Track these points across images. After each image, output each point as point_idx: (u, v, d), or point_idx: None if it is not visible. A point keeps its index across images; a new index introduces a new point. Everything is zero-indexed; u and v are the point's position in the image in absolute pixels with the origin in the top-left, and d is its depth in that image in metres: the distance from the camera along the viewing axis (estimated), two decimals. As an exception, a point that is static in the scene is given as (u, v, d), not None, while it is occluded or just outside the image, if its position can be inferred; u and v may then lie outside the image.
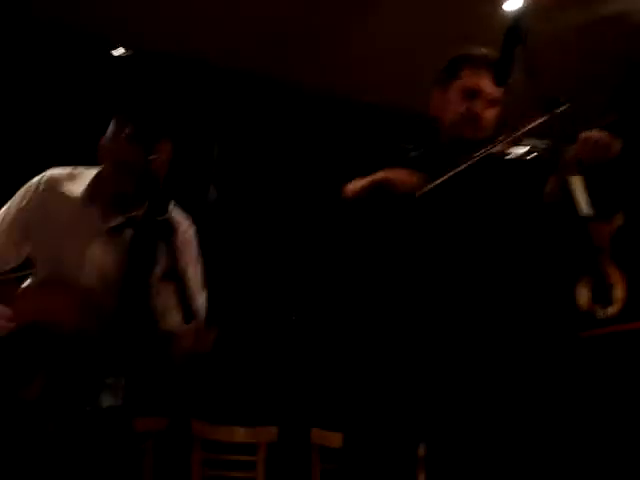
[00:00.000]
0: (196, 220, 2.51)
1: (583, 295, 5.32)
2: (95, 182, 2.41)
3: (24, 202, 2.45)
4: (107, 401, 2.32)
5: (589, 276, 5.32)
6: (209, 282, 2.56)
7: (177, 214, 2.45)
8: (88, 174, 2.44)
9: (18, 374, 2.25)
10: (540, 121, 2.28)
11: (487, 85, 2.43)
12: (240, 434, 4.56)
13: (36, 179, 2.47)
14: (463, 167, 2.31)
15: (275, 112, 5.43)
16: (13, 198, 2.50)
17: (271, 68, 5.15)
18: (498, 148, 2.36)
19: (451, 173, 2.31)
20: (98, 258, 2.37)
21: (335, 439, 4.05)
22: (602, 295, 5.22)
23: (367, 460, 2.35)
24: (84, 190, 2.40)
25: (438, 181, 2.29)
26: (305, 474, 4.62)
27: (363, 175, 2.42)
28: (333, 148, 5.35)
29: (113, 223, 2.38)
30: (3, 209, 2.50)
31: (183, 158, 2.53)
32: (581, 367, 5.02)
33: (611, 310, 5.16)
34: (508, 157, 2.38)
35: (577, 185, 2.24)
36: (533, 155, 2.38)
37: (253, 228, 4.88)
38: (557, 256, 2.56)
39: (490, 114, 2.46)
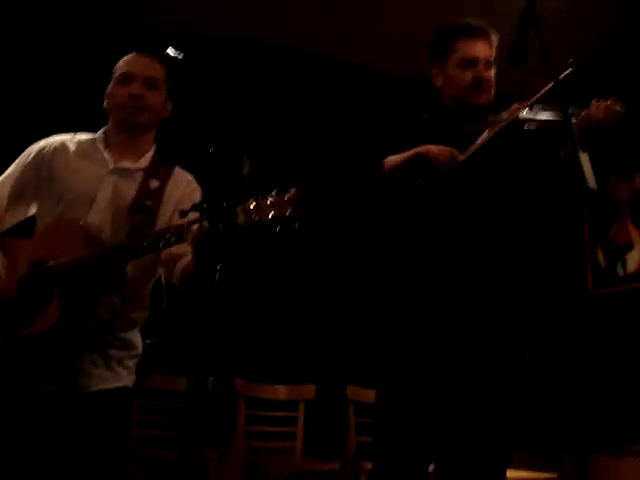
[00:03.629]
0: (233, 193, 2.61)
1: (602, 254, 5.35)
2: (108, 128, 2.52)
3: (31, 157, 2.51)
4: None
5: (609, 235, 5.35)
6: (250, 248, 2.61)
7: (178, 171, 2.53)
8: (91, 135, 2.54)
9: (30, 310, 2.28)
10: (549, 87, 2.38)
11: (481, 50, 2.54)
12: (281, 392, 4.77)
13: (43, 139, 2.54)
14: (491, 135, 2.41)
15: (303, 84, 5.47)
16: (19, 158, 2.54)
17: (298, 41, 5.21)
18: (513, 115, 2.47)
19: (482, 141, 2.42)
20: (108, 195, 2.42)
21: (369, 395, 4.02)
22: (621, 254, 5.29)
23: (398, 414, 2.44)
24: (99, 135, 2.51)
25: (474, 149, 2.40)
26: (341, 428, 4.80)
27: (383, 143, 2.53)
28: (355, 116, 5.35)
29: (124, 165, 2.46)
30: (9, 169, 2.54)
31: (218, 131, 2.60)
32: (598, 324, 5.10)
33: (630, 268, 5.21)
34: (525, 124, 2.48)
35: (584, 160, 2.38)
36: (547, 122, 2.48)
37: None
38: (576, 216, 2.61)
39: (490, 76, 2.56)
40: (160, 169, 2.48)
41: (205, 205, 2.03)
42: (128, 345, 2.45)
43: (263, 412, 4.70)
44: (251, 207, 2.10)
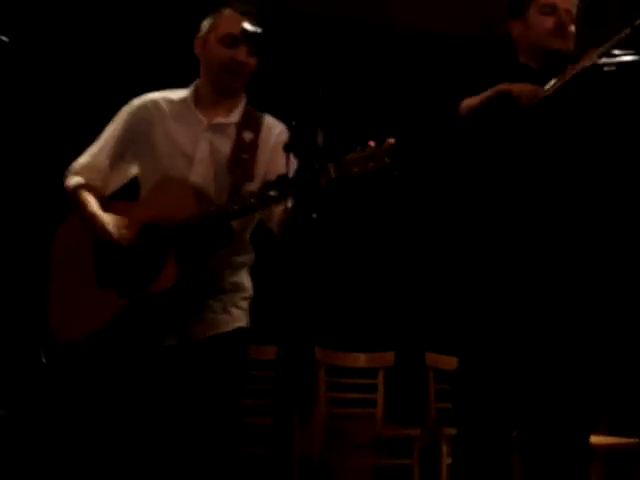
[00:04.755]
0: (306, 165, 2.64)
1: None
2: (200, 84, 2.56)
3: (126, 120, 2.57)
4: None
5: None
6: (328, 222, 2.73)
7: (269, 119, 2.58)
8: (184, 90, 2.58)
9: (148, 270, 2.39)
10: (626, 32, 2.33)
11: (562, 0, 2.51)
12: (361, 359, 4.82)
13: (135, 99, 2.60)
14: (573, 73, 2.37)
15: (371, 53, 5.45)
16: (113, 121, 2.60)
17: (364, 9, 5.21)
18: (592, 60, 2.41)
19: (564, 79, 2.37)
20: (206, 152, 2.49)
21: (448, 362, 4.20)
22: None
23: (481, 381, 2.44)
24: (189, 93, 2.55)
25: (556, 85, 2.36)
26: (421, 395, 4.85)
27: (457, 96, 2.50)
28: (425, 81, 5.34)
29: (216, 121, 2.53)
30: (104, 132, 2.59)
31: (292, 104, 2.65)
32: None
33: None
34: (604, 67, 2.42)
35: None
36: (627, 62, 2.41)
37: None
38: None
39: (571, 25, 2.52)
40: (252, 120, 2.53)
41: (289, 178, 2.10)
42: (239, 287, 2.56)
43: (343, 379, 4.76)
44: (348, 160, 2.18)
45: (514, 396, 2.44)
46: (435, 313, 4.87)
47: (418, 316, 5.24)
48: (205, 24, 2.57)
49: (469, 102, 2.44)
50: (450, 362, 3.71)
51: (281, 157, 2.25)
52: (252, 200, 2.33)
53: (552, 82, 2.39)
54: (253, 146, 2.50)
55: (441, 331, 3.95)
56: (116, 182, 2.61)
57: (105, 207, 2.53)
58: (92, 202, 2.52)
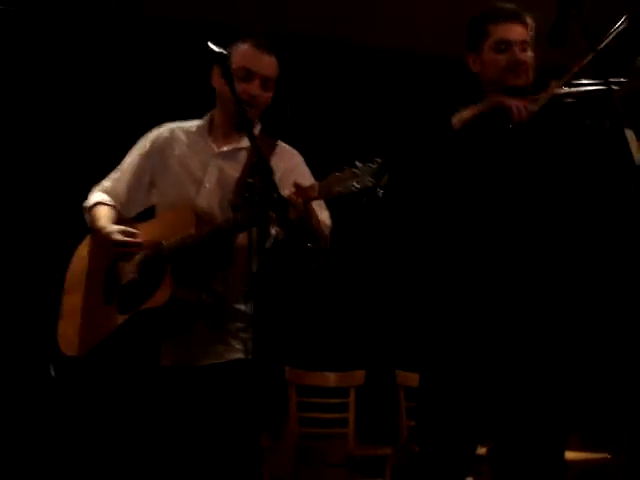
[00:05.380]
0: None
1: None
2: (215, 113, 2.65)
3: (146, 148, 2.69)
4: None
5: None
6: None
7: (283, 146, 2.64)
8: (198, 121, 2.69)
9: (148, 287, 2.45)
10: (588, 59, 2.36)
11: (515, 33, 2.53)
12: (331, 379, 4.82)
13: (155, 128, 2.73)
14: (539, 107, 2.41)
15: (338, 72, 5.51)
16: (133, 147, 2.73)
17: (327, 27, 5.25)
18: (555, 91, 2.45)
19: (542, 103, 2.42)
20: (214, 177, 2.56)
21: (418, 379, 4.23)
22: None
23: (442, 397, 2.45)
24: (202, 122, 2.66)
25: (544, 101, 2.42)
26: (392, 413, 4.83)
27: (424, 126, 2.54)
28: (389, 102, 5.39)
29: (227, 148, 2.61)
30: (126, 158, 2.73)
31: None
32: None
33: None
34: (567, 99, 2.46)
35: (630, 137, 2.36)
36: (588, 92, 2.45)
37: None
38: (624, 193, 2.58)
39: (526, 58, 2.54)
40: (264, 145, 2.53)
41: (256, 198, 2.11)
42: (242, 317, 2.53)
43: (314, 399, 4.74)
44: (331, 181, 2.20)
45: (478, 413, 2.44)
46: (404, 331, 4.88)
47: (388, 334, 5.25)
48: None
49: (463, 115, 2.47)
50: (421, 380, 3.69)
51: (300, 178, 2.38)
52: (237, 217, 2.35)
53: (539, 100, 2.44)
54: None
55: (411, 349, 3.96)
56: (135, 208, 2.72)
57: (123, 224, 2.61)
58: (104, 216, 2.62)
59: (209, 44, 2.28)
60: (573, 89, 2.47)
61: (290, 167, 2.56)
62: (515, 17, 2.55)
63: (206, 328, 2.50)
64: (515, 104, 2.42)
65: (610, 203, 2.54)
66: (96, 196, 2.70)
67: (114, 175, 2.73)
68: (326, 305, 5.27)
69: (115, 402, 2.70)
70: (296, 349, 4.94)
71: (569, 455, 2.54)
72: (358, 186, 2.16)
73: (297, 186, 2.27)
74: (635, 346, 4.76)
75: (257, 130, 2.62)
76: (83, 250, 2.72)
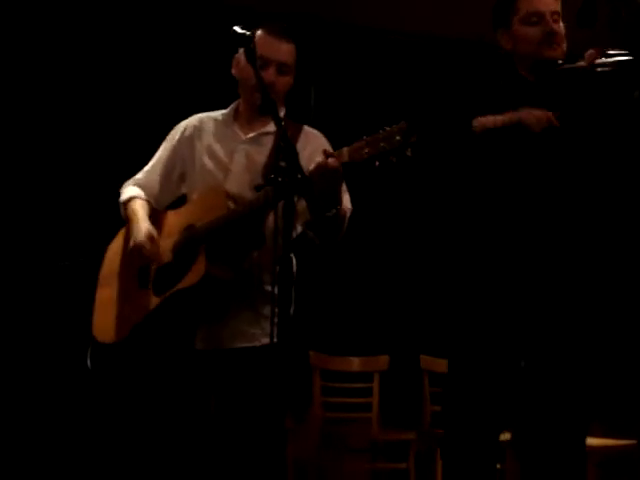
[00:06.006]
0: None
1: None
2: (240, 102, 2.69)
3: (175, 140, 2.74)
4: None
5: None
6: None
7: (308, 129, 2.68)
8: (223, 111, 2.73)
9: (182, 269, 2.48)
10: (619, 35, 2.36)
11: (546, 3, 2.48)
12: (355, 363, 4.84)
13: (184, 121, 2.77)
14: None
15: (364, 56, 5.50)
16: (165, 141, 2.78)
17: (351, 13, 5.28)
18: (589, 61, 2.39)
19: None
20: (242, 163, 2.61)
21: (443, 364, 4.11)
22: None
23: (468, 384, 2.45)
24: (228, 111, 2.70)
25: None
26: (416, 398, 4.84)
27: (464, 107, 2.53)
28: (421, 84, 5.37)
29: (253, 133, 2.64)
30: (158, 152, 2.78)
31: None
32: None
33: None
34: (599, 67, 2.40)
35: None
36: (621, 62, 2.39)
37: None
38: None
39: (560, 28, 2.49)
40: (289, 129, 2.53)
41: (280, 179, 2.12)
42: (273, 299, 2.48)
43: (338, 384, 4.76)
44: (360, 144, 2.21)
45: (503, 399, 2.44)
46: (429, 316, 4.86)
47: (412, 319, 5.25)
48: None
49: (485, 122, 2.44)
50: (445, 365, 3.64)
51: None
52: (266, 193, 2.36)
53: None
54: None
55: (435, 334, 3.95)
56: (167, 199, 2.77)
57: (155, 217, 2.68)
58: (140, 213, 2.67)
59: (234, 28, 2.27)
60: (606, 59, 2.40)
61: (316, 148, 2.55)
62: None
63: (240, 310, 2.52)
64: (538, 120, 2.38)
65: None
66: (130, 190, 2.75)
67: (146, 168, 2.79)
68: (351, 290, 5.27)
69: (150, 388, 2.70)
70: (321, 334, 4.95)
71: (594, 442, 2.54)
72: (387, 147, 2.17)
73: (326, 152, 2.29)
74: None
75: (282, 113, 2.62)
76: (116, 244, 2.77)
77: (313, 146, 2.59)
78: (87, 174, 4.77)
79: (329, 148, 2.58)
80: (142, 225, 2.61)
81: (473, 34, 5.00)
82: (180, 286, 2.47)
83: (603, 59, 2.40)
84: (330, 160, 2.26)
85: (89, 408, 4.47)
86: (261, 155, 2.60)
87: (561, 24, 2.50)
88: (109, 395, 4.20)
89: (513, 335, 2.42)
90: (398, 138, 2.15)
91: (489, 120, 2.44)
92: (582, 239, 2.48)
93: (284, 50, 2.59)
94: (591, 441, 2.52)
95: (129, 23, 5.04)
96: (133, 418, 4.31)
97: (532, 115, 2.40)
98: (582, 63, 2.41)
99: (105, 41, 4.98)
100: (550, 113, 2.40)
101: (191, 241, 2.51)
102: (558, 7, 2.51)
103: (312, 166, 2.27)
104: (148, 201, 2.73)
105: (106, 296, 2.70)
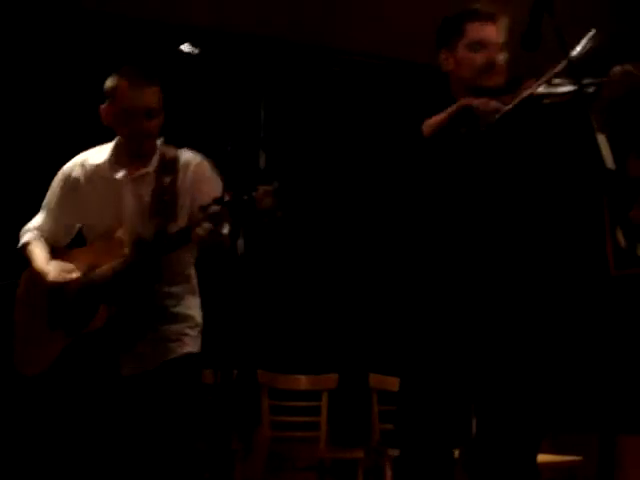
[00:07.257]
0: (249, 186, 2.72)
1: (621, 234, 5.31)
2: (116, 148, 2.80)
3: (63, 186, 2.85)
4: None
5: (629, 214, 5.30)
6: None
7: (185, 157, 2.79)
8: (106, 147, 2.84)
9: (86, 312, 2.68)
10: (564, 64, 2.34)
11: (491, 34, 2.53)
12: (304, 382, 4.79)
13: (68, 164, 2.87)
14: (512, 107, 2.39)
15: (312, 76, 5.50)
16: (52, 184, 2.89)
17: (307, 32, 5.27)
18: (532, 90, 2.42)
19: (526, 94, 2.40)
20: (131, 203, 2.74)
21: (392, 383, 4.11)
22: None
23: (421, 402, 2.45)
24: (109, 156, 2.79)
25: (510, 107, 2.40)
26: (365, 417, 4.82)
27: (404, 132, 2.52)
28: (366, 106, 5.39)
29: (136, 174, 2.76)
30: (47, 197, 2.90)
31: (232, 126, 2.73)
32: (617, 305, 5.06)
33: (650, 248, 5.15)
34: (542, 99, 2.43)
35: (602, 141, 2.37)
36: (564, 94, 2.43)
37: (304, 190, 4.95)
38: (595, 196, 2.59)
39: (501, 59, 2.53)
40: (168, 164, 2.75)
41: (225, 199, 2.16)
42: (185, 318, 2.77)
43: (286, 402, 4.72)
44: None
45: (456, 415, 2.46)
46: (378, 334, 4.88)
47: (361, 338, 5.25)
48: (108, 93, 2.76)
49: (432, 121, 2.46)
50: (394, 383, 3.64)
51: (205, 186, 2.65)
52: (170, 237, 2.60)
53: (514, 100, 2.42)
54: (172, 186, 2.72)
55: (384, 352, 3.95)
56: (65, 238, 2.91)
57: (56, 255, 2.83)
58: (39, 256, 2.81)
59: (181, 47, 2.31)
60: (547, 90, 2.45)
61: (195, 177, 2.74)
62: (491, 18, 2.55)
63: (154, 332, 2.70)
64: (481, 102, 2.41)
65: (579, 204, 2.56)
66: (26, 236, 2.87)
67: (40, 214, 2.90)
68: (299, 308, 5.25)
69: (74, 417, 2.85)
70: (269, 352, 4.93)
71: (541, 458, 2.55)
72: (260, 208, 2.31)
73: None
74: (606, 349, 4.79)
75: (157, 154, 2.77)
76: (27, 277, 2.89)
77: (193, 174, 2.74)
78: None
79: (208, 170, 2.76)
80: (45, 267, 2.75)
81: (415, 54, 5.08)
82: (87, 330, 2.67)
83: (541, 90, 2.43)
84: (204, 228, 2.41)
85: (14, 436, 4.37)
86: (147, 194, 2.73)
87: (504, 55, 2.54)
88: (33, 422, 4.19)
89: (464, 352, 2.43)
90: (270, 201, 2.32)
91: (435, 118, 2.46)
92: (533, 246, 2.51)
93: (148, 95, 2.69)
94: (540, 457, 2.52)
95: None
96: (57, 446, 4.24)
97: (481, 100, 2.43)
98: (517, 94, 2.43)
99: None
100: (498, 103, 2.42)
101: (91, 287, 2.69)
102: (502, 40, 2.55)
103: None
104: (47, 239, 2.85)
105: (22, 331, 2.86)
